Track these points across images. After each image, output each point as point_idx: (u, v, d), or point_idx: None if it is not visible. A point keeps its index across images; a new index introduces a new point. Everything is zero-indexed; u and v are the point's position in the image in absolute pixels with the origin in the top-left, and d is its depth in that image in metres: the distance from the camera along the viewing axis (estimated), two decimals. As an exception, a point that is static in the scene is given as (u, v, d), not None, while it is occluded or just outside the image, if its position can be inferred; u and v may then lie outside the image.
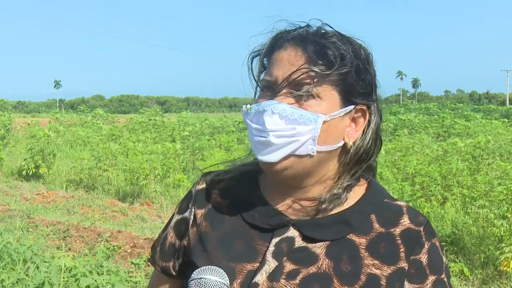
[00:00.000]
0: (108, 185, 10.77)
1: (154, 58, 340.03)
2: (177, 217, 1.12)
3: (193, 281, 0.95)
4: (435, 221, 6.78)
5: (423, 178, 7.96)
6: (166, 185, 10.17)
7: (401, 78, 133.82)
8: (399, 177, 8.80)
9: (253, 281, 0.95)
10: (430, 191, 7.73)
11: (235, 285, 0.96)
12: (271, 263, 0.95)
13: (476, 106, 52.52)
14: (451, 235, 6.37)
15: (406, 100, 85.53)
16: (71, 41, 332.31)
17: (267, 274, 0.95)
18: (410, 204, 6.67)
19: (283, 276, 0.94)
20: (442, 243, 6.24)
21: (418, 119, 23.21)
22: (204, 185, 1.11)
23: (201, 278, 0.94)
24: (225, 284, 0.95)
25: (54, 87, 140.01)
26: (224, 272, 0.96)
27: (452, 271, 5.37)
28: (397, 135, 15.96)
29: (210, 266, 0.97)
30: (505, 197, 5.64)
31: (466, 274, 5.40)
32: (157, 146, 12.46)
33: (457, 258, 5.91)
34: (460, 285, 5.38)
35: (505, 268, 5.23)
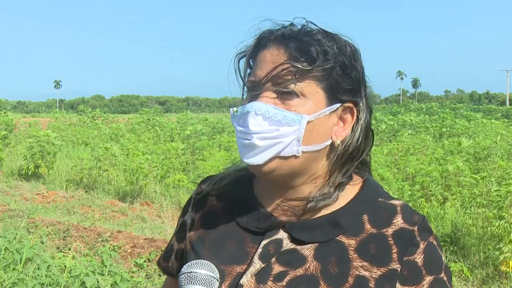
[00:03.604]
0: (108, 185, 10.77)
1: (154, 58, 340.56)
2: (180, 221, 1.17)
3: (183, 275, 0.96)
4: (435, 221, 6.79)
5: (423, 178, 7.96)
6: (166, 185, 10.17)
7: (401, 78, 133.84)
8: (399, 177, 8.80)
9: (239, 282, 0.96)
10: (430, 191, 7.73)
11: (223, 287, 0.97)
12: (256, 265, 0.96)
13: (476, 106, 52.50)
14: (451, 235, 6.37)
15: (406, 100, 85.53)
16: (71, 41, 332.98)
17: (253, 275, 0.95)
18: (410, 204, 6.69)
19: (271, 278, 0.94)
20: (442, 243, 6.26)
21: (419, 119, 23.25)
22: (202, 191, 1.13)
23: (191, 272, 0.95)
24: (214, 278, 0.96)
25: (54, 87, 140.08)
26: (214, 266, 0.97)
27: (452, 271, 5.37)
28: (399, 135, 15.96)
29: (200, 260, 0.98)
30: (501, 198, 5.64)
31: (466, 274, 5.39)
32: (158, 146, 12.46)
33: (457, 258, 5.91)
34: (460, 285, 5.38)
35: (505, 268, 5.23)
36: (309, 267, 0.94)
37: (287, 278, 0.93)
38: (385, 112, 37.86)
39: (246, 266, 0.97)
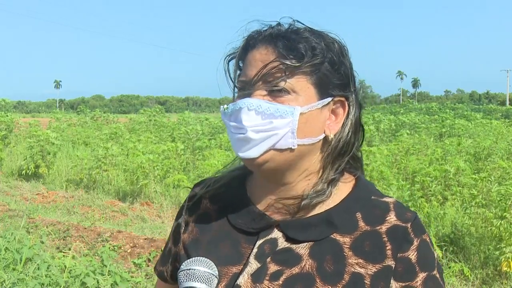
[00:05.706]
0: (108, 185, 10.77)
1: (154, 58, 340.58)
2: (174, 224, 1.17)
3: (182, 272, 0.97)
4: (435, 221, 6.78)
5: (423, 177, 7.96)
6: (166, 185, 10.17)
7: (401, 78, 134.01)
8: (399, 177, 8.80)
9: (236, 283, 0.96)
10: (430, 191, 7.73)
11: (220, 287, 0.97)
12: (253, 265, 0.96)
13: (476, 106, 52.52)
14: (451, 235, 6.37)
15: (406, 100, 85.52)
16: (71, 41, 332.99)
17: (250, 276, 0.96)
18: (410, 204, 6.68)
19: (267, 278, 0.95)
20: (442, 243, 6.26)
21: (418, 119, 23.26)
22: (196, 194, 1.14)
23: (190, 269, 0.96)
24: (213, 275, 0.96)
25: (54, 87, 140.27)
26: (212, 263, 0.98)
27: (452, 271, 5.37)
28: (399, 135, 15.96)
29: (199, 257, 0.99)
30: (501, 198, 5.63)
31: (466, 274, 5.39)
32: (158, 146, 12.45)
33: (457, 258, 5.91)
34: (460, 285, 5.38)
35: (505, 268, 5.23)
36: (304, 265, 0.94)
37: (283, 277, 0.94)
38: (385, 112, 37.86)
39: (242, 266, 0.98)
